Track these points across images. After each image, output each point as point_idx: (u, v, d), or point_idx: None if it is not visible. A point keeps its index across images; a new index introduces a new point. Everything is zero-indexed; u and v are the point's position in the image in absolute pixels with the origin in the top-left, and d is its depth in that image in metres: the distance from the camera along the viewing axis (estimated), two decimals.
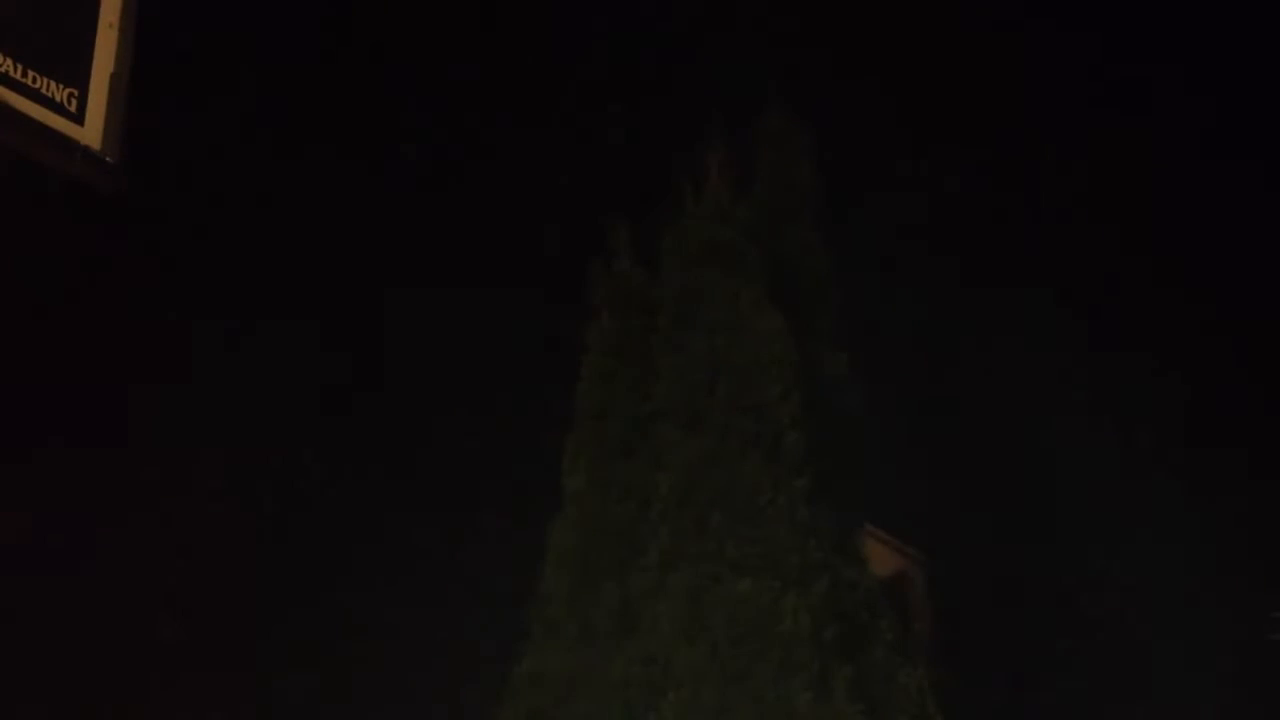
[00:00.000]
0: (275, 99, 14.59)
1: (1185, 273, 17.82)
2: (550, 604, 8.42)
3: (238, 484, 13.02)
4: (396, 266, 15.14)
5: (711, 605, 7.69)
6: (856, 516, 9.00)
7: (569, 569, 8.41)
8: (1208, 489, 16.12)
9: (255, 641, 12.38)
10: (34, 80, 3.82)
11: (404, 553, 13.34)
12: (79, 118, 3.90)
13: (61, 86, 3.87)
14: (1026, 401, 16.88)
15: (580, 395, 8.93)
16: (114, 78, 3.95)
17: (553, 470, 8.81)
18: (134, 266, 12.78)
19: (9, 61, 3.77)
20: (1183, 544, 15.90)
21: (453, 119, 16.07)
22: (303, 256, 14.42)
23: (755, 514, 7.91)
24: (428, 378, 14.75)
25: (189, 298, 13.60)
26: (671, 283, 8.87)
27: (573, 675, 8.04)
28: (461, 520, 13.44)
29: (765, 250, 8.87)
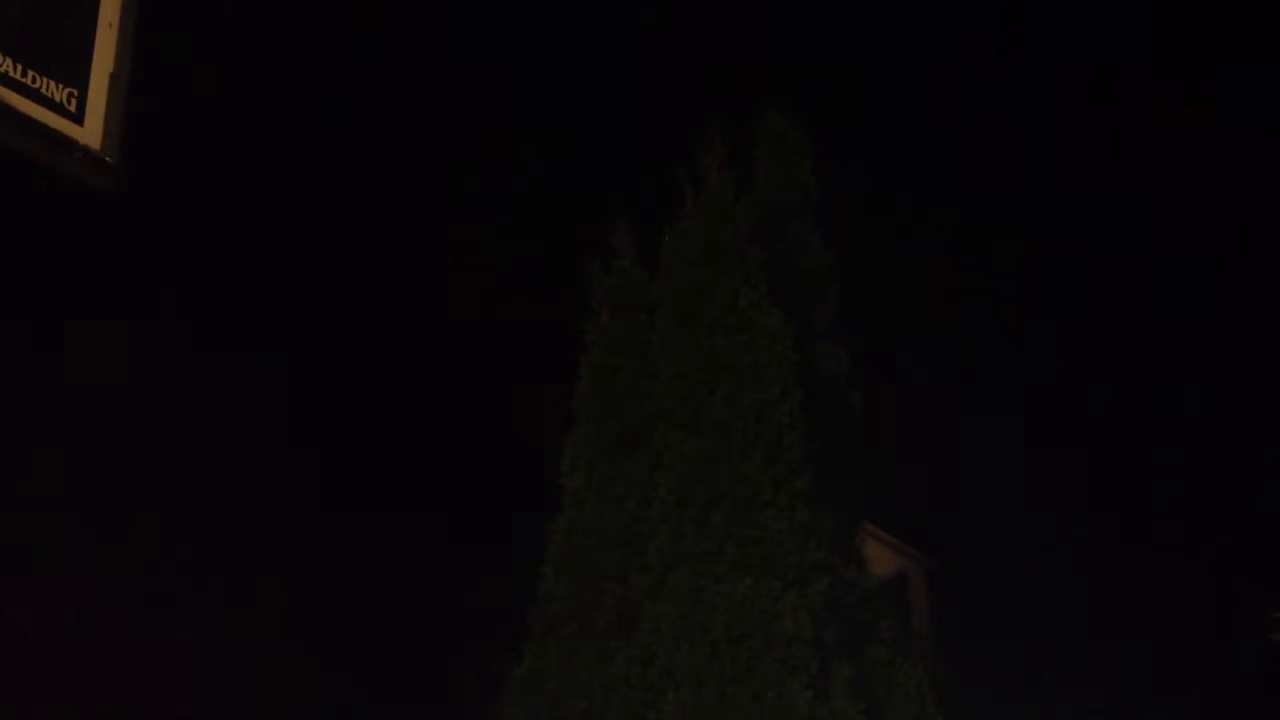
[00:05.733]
0: (274, 99, 14.59)
1: (1183, 280, 17.82)
2: (550, 604, 8.41)
3: (238, 481, 13.03)
4: (397, 266, 15.14)
5: (711, 605, 7.68)
6: (856, 516, 9.00)
7: (569, 569, 8.40)
8: (1208, 489, 16.12)
9: (256, 641, 12.37)
10: (34, 80, 3.81)
11: (404, 553, 13.33)
12: (79, 118, 3.88)
13: (61, 86, 3.86)
14: (1026, 402, 16.87)
15: (580, 395, 8.92)
16: (114, 78, 3.94)
17: (553, 470, 8.81)
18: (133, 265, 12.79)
19: (9, 61, 3.76)
20: (1183, 544, 15.90)
21: (454, 119, 16.06)
22: (301, 256, 14.42)
23: (755, 514, 7.89)
24: (427, 377, 14.76)
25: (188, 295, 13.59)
26: (671, 282, 8.86)
27: (573, 675, 8.03)
28: (462, 520, 13.44)
29: (765, 250, 8.85)
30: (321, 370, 14.21)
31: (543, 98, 16.41)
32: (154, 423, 12.89)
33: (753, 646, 7.53)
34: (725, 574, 7.75)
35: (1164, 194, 18.00)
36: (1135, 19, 17.77)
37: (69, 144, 3.83)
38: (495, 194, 16.08)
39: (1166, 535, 15.97)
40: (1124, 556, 16.17)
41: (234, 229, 14.06)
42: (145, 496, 12.39)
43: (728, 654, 7.53)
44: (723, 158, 9.02)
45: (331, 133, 15.06)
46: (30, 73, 3.77)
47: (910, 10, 17.50)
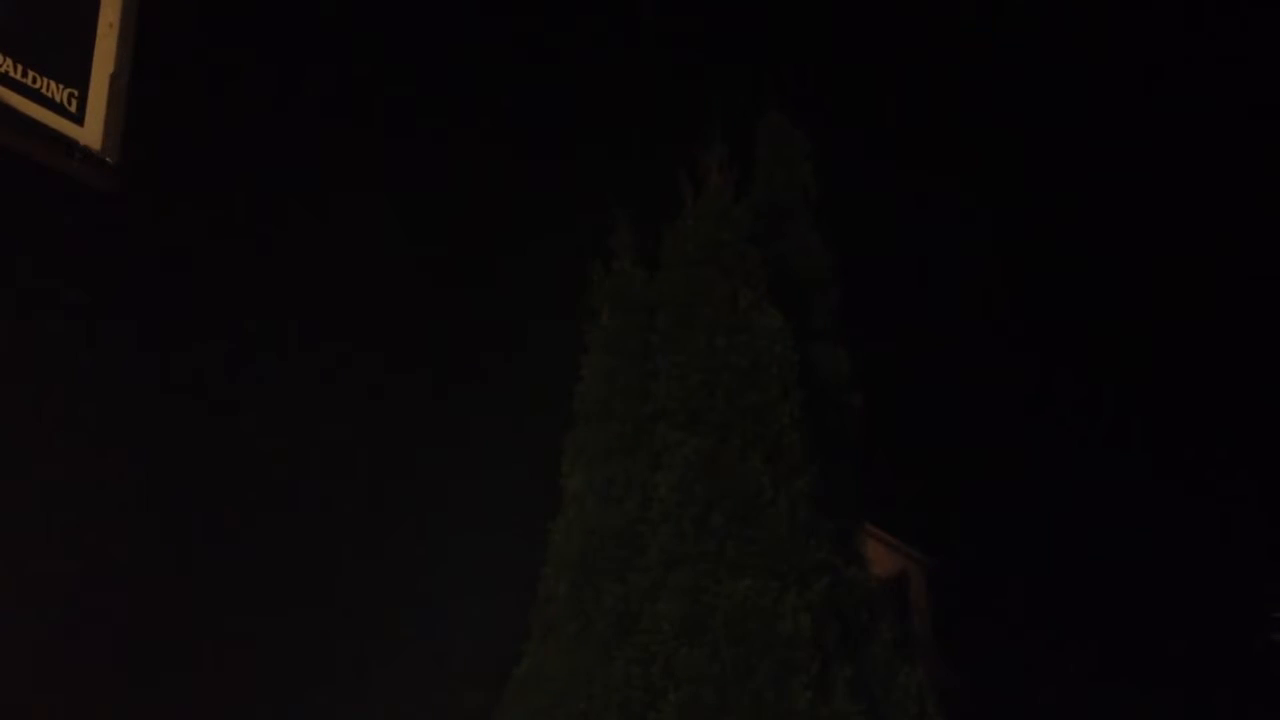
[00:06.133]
0: (275, 98, 14.59)
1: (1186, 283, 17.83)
2: (550, 604, 8.41)
3: (240, 483, 13.03)
4: (398, 266, 15.14)
5: (711, 605, 7.68)
6: (856, 516, 9.00)
7: (569, 569, 8.40)
8: (1209, 489, 16.13)
9: (257, 641, 12.38)
10: (34, 80, 3.81)
11: (405, 553, 13.33)
12: (79, 118, 3.89)
13: (61, 86, 3.86)
14: (1025, 403, 16.88)
15: (580, 395, 8.92)
16: (114, 78, 3.95)
17: (553, 470, 8.81)
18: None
19: (9, 61, 3.77)
20: (1184, 544, 15.91)
21: (455, 119, 16.07)
22: (302, 256, 14.42)
23: (755, 514, 7.90)
24: (428, 377, 14.76)
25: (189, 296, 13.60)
26: (671, 283, 8.86)
27: (573, 675, 8.03)
28: (462, 520, 13.44)
29: (765, 250, 8.86)
30: (320, 371, 14.21)
31: (543, 98, 16.43)
32: (155, 421, 12.89)
33: (753, 646, 7.53)
34: (725, 574, 7.75)
35: (1168, 193, 18.01)
36: (1136, 18, 17.77)
37: (69, 144, 3.83)
38: (495, 194, 16.08)
39: (1166, 535, 15.98)
40: (1123, 556, 16.18)
41: (233, 229, 14.07)
42: (145, 495, 12.39)
43: (728, 654, 7.53)
44: (723, 158, 9.03)
45: (331, 133, 15.07)
46: (30, 73, 3.78)
47: (911, 10, 17.51)
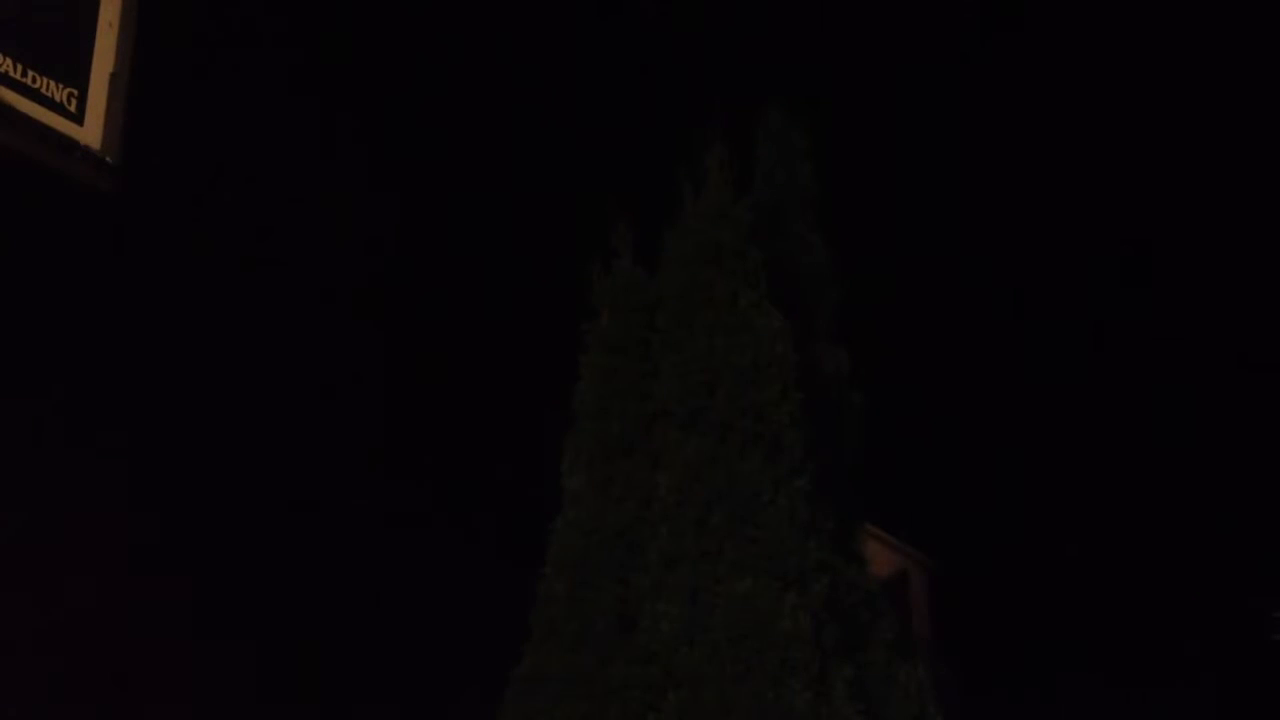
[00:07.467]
0: (275, 98, 14.60)
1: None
2: (550, 604, 8.41)
3: (238, 483, 13.03)
4: (397, 266, 15.15)
5: (711, 605, 7.68)
6: (856, 516, 9.00)
7: (569, 569, 8.40)
8: (1209, 490, 16.13)
9: (255, 642, 12.38)
10: (34, 80, 3.82)
11: (405, 553, 13.34)
12: (79, 118, 3.89)
13: (61, 86, 3.87)
14: (1028, 400, 16.89)
15: (580, 395, 8.91)
16: (114, 78, 3.95)
17: (553, 470, 8.81)
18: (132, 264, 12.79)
19: (9, 61, 3.77)
20: (1184, 545, 15.91)
21: (454, 119, 16.07)
22: (302, 256, 14.43)
23: (755, 514, 7.89)
24: (427, 377, 14.77)
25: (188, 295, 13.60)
26: (671, 283, 8.86)
27: (573, 675, 8.03)
28: (462, 520, 13.45)
29: (765, 250, 8.85)
30: (320, 370, 14.22)
31: (543, 98, 16.43)
32: (152, 423, 12.90)
33: (753, 646, 7.53)
34: (725, 574, 7.75)
35: (1166, 193, 18.01)
36: (1134, 20, 17.78)
37: (69, 144, 3.83)
38: (495, 194, 16.09)
39: (1167, 535, 15.98)
40: (1124, 557, 16.18)
41: (232, 228, 14.07)
42: (145, 498, 12.40)
43: (728, 654, 7.53)
44: (723, 158, 9.01)
45: (332, 133, 15.08)
46: (30, 73, 3.78)
47: (911, 10, 17.52)
